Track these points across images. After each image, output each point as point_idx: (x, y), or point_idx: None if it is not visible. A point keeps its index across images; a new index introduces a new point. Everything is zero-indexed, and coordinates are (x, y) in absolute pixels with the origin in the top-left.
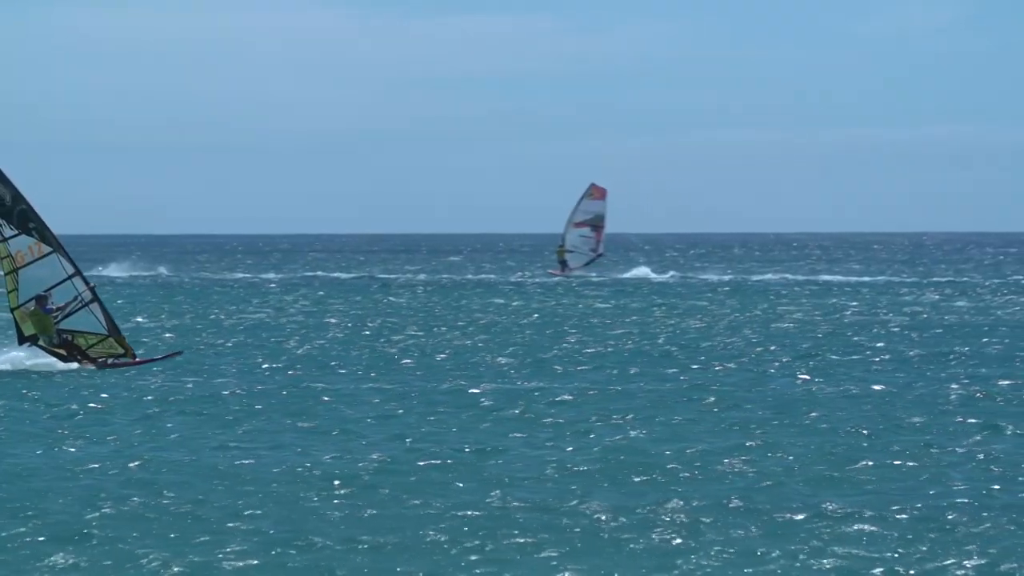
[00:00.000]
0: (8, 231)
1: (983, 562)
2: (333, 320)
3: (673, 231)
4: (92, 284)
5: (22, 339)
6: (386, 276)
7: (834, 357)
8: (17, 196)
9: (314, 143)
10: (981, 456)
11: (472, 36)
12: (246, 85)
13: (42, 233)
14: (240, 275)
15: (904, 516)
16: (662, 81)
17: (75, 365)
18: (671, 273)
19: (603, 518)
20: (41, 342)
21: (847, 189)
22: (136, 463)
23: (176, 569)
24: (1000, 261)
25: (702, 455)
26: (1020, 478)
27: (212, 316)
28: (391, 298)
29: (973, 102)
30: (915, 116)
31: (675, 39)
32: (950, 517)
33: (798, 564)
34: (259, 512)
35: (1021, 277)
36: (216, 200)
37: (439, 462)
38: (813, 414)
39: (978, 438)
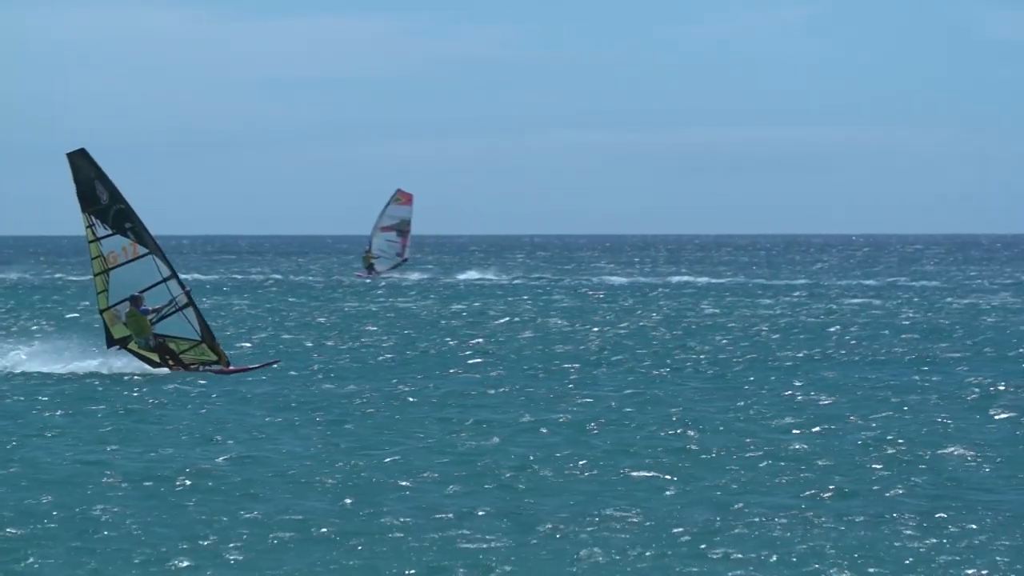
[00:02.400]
0: (101, 230)
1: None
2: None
3: (513, 233)
4: (187, 288)
5: (111, 342)
6: (242, 277)
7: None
8: (115, 195)
9: (144, 144)
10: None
11: (306, 38)
12: (78, 85)
13: (139, 234)
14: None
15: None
16: (497, 83)
17: (165, 370)
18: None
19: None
20: (133, 345)
21: (685, 191)
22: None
23: None
24: (843, 264)
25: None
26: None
27: None
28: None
29: (812, 104)
30: (752, 117)
31: (511, 41)
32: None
33: None
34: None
35: (853, 281)
36: (36, 201)
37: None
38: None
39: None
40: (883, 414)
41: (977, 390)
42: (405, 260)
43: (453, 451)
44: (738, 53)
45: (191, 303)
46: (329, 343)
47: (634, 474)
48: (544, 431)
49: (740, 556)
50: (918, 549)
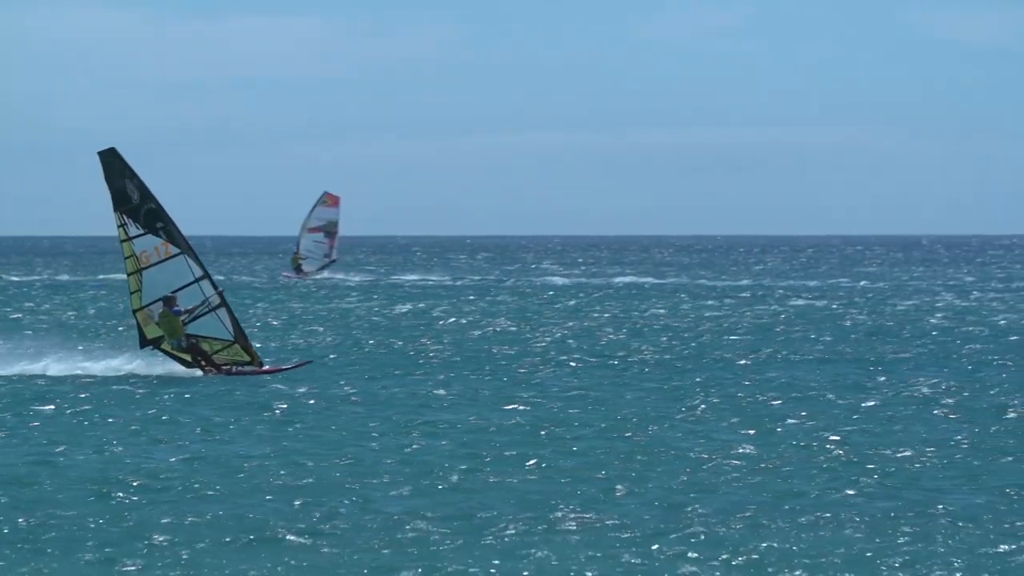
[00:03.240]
0: (133, 230)
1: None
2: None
3: (451, 234)
4: (220, 289)
5: (144, 342)
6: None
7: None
8: (146, 195)
9: (79, 145)
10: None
11: (248, 38)
12: (15, 84)
13: (170, 233)
14: None
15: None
16: (443, 84)
17: (198, 372)
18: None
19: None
20: (165, 346)
21: (630, 191)
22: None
23: None
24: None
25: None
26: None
27: None
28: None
29: (754, 104)
30: (697, 118)
31: (457, 42)
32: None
33: None
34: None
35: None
36: None
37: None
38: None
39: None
40: (829, 414)
41: (925, 390)
42: (333, 261)
43: (402, 452)
44: (680, 54)
45: (224, 303)
46: (274, 344)
47: (582, 474)
48: (492, 431)
49: (690, 555)
50: (865, 550)
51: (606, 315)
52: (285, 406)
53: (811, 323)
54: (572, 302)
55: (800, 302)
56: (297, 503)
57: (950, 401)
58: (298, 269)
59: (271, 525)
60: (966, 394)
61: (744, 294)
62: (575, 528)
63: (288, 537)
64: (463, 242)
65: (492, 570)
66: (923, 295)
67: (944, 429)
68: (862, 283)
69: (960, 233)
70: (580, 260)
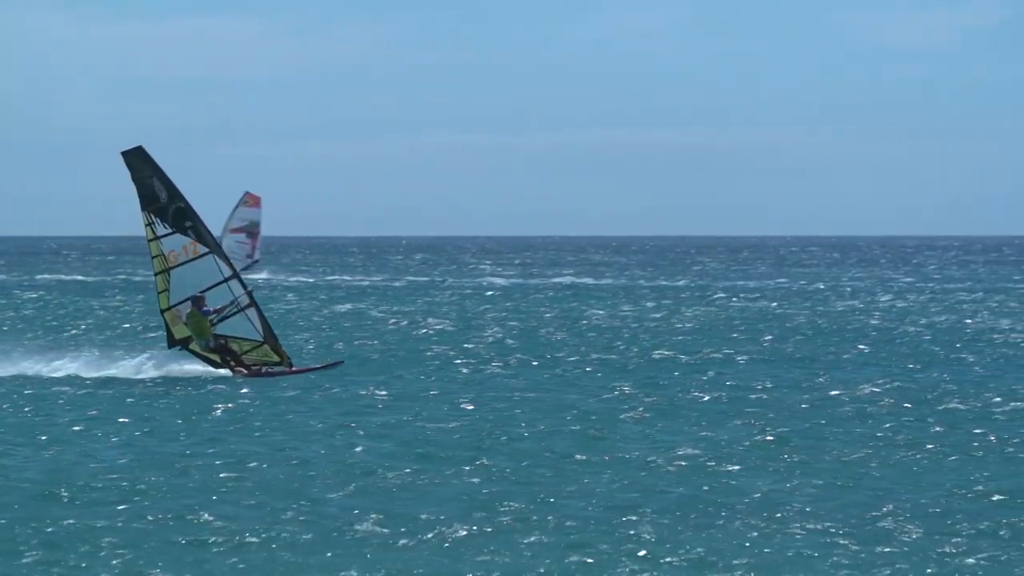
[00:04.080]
0: (161, 229)
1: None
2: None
3: (385, 234)
4: (250, 288)
5: (172, 342)
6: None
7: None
8: (174, 194)
9: (19, 146)
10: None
11: (183, 39)
12: None
13: (199, 233)
14: None
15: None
16: (379, 84)
17: (225, 372)
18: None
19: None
20: (194, 346)
21: (565, 192)
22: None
23: None
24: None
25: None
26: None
27: None
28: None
29: (686, 106)
30: (628, 118)
31: (390, 42)
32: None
33: None
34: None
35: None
36: None
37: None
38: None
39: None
40: (772, 414)
41: (865, 390)
42: (256, 261)
43: (345, 452)
44: (613, 54)
45: (253, 303)
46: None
47: (526, 475)
48: (435, 431)
49: (635, 555)
50: (810, 550)
51: (547, 315)
52: (230, 406)
53: (751, 323)
54: (510, 303)
55: (739, 302)
56: (241, 504)
57: (890, 401)
58: None
59: (214, 527)
60: (906, 394)
61: (683, 294)
62: (520, 528)
63: (232, 539)
64: (399, 243)
65: (437, 570)
66: (862, 295)
67: (886, 429)
68: (801, 283)
69: (898, 234)
70: (517, 261)
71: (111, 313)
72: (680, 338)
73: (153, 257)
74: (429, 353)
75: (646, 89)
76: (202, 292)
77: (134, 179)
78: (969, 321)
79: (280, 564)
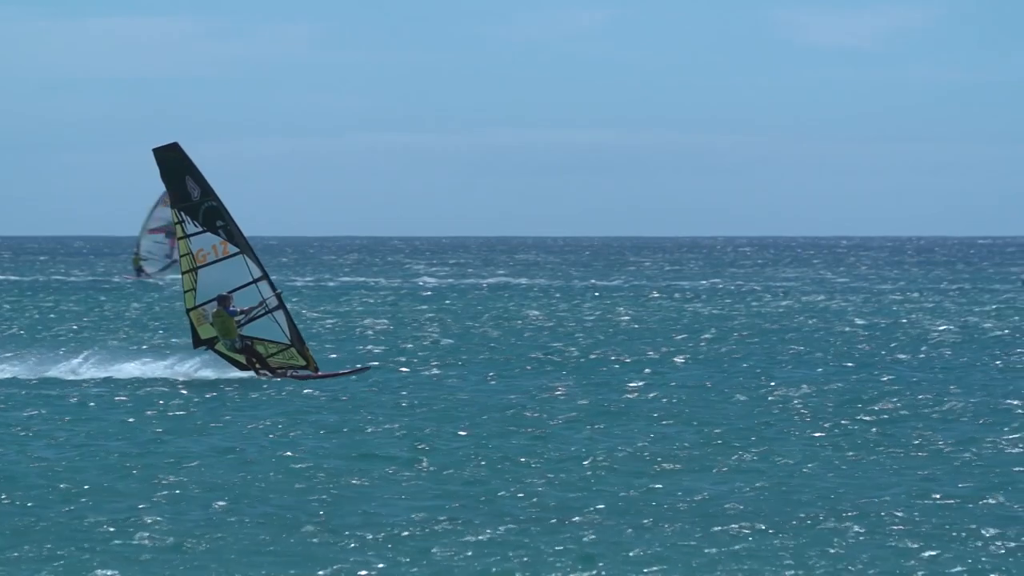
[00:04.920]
0: (191, 227)
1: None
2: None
3: (316, 235)
4: (279, 290)
5: (197, 342)
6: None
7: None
8: (207, 192)
9: None
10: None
11: (107, 38)
12: None
13: (230, 232)
14: None
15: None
16: (305, 84)
17: (250, 373)
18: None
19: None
20: (220, 346)
21: (496, 192)
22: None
23: None
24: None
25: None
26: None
27: None
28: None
29: (612, 107)
30: (556, 120)
31: (314, 42)
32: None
33: None
34: None
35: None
36: None
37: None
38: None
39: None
40: (711, 415)
41: (804, 389)
42: (175, 262)
43: (285, 454)
44: (540, 55)
45: (282, 306)
46: (145, 347)
47: (468, 475)
48: (372, 432)
49: (578, 555)
50: (752, 549)
51: (484, 315)
52: (171, 408)
53: (688, 323)
54: (446, 302)
55: (675, 302)
56: (183, 504)
57: (828, 401)
58: (139, 270)
59: (157, 527)
60: (843, 394)
61: (618, 294)
62: (461, 529)
63: (174, 539)
64: (332, 243)
65: (379, 571)
66: (797, 295)
67: (825, 429)
68: (737, 283)
69: (831, 235)
70: (452, 261)
71: (44, 315)
72: (618, 338)
73: (181, 255)
74: (366, 353)
75: (575, 90)
76: (230, 292)
77: (165, 176)
78: (904, 321)
79: (223, 564)
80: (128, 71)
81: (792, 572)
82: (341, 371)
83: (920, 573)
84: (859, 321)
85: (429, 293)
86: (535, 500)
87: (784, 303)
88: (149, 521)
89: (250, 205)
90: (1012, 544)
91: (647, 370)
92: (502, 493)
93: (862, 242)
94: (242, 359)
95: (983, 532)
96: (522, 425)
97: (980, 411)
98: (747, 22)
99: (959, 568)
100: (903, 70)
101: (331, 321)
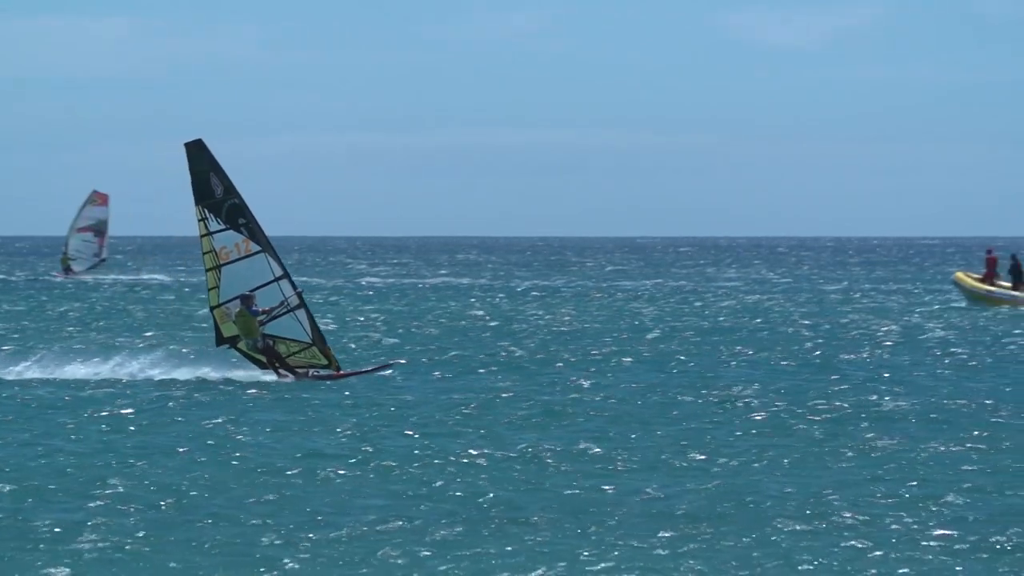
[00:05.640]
0: (214, 225)
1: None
2: None
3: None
4: (300, 289)
5: (220, 340)
6: None
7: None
8: (230, 189)
9: None
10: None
11: (42, 38)
12: None
13: (252, 231)
14: None
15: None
16: (242, 85)
17: (272, 375)
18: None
19: None
20: (241, 345)
21: (437, 192)
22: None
23: None
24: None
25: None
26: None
27: None
28: None
29: (561, 107)
30: (494, 119)
31: (261, 42)
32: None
33: None
34: None
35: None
36: None
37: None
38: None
39: None
40: (654, 415)
41: (743, 388)
42: (103, 260)
43: (230, 455)
44: (488, 54)
45: (303, 304)
46: (84, 347)
47: (414, 474)
48: (319, 431)
49: (523, 554)
50: (693, 549)
51: (428, 316)
52: (114, 409)
53: (632, 322)
54: (389, 303)
55: (618, 302)
56: (128, 506)
57: (773, 401)
58: (67, 269)
59: (94, 526)
60: (789, 394)
61: (563, 293)
62: (408, 528)
63: (116, 541)
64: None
65: (321, 571)
66: (739, 295)
67: (770, 429)
68: (681, 282)
69: (770, 235)
70: (394, 261)
71: None
72: (563, 338)
73: (204, 253)
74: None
75: (519, 89)
76: (252, 291)
77: (192, 172)
78: (845, 320)
79: (167, 564)
80: (64, 71)
81: (740, 572)
82: (363, 369)
83: (868, 572)
84: (806, 322)
85: (371, 293)
86: (481, 500)
87: (727, 303)
88: (94, 523)
89: (180, 204)
90: (958, 545)
91: (593, 370)
92: (449, 492)
93: (801, 241)
94: (263, 359)
95: (929, 532)
96: (468, 425)
97: (925, 411)
98: (690, 22)
99: (906, 569)
100: (845, 69)
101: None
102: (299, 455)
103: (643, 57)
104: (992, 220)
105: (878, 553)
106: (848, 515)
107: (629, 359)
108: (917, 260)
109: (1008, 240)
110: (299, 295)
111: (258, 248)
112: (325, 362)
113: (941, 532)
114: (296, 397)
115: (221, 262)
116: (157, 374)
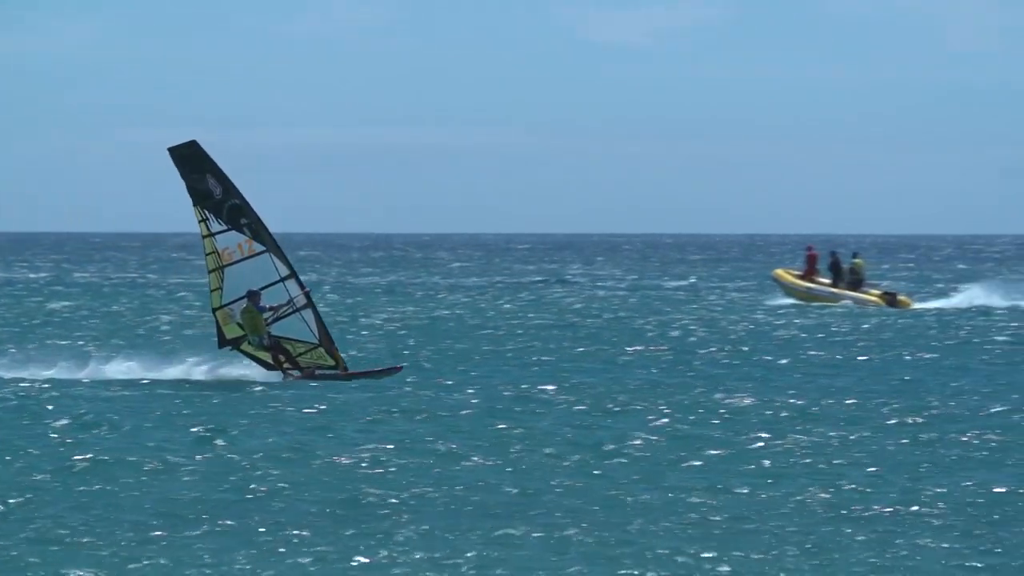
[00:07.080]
0: (216, 226)
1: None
2: None
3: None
4: (307, 289)
5: (223, 342)
6: None
7: None
8: (230, 190)
9: None
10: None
11: None
12: None
13: (256, 231)
14: None
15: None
16: (79, 80)
17: (277, 374)
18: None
19: None
20: (246, 346)
21: (277, 191)
22: None
23: None
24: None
25: None
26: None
27: None
28: None
29: (400, 104)
30: (341, 117)
31: (92, 38)
32: None
33: None
34: None
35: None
36: None
37: None
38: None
39: None
40: (576, 416)
41: (669, 390)
42: None
43: (202, 455)
44: (331, 51)
45: (310, 304)
46: (32, 346)
47: (371, 475)
48: (289, 430)
49: (466, 555)
50: (649, 552)
51: (339, 317)
52: (80, 411)
53: (524, 323)
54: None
55: (507, 304)
56: (105, 508)
57: (697, 403)
58: None
59: (71, 530)
60: (705, 391)
61: (451, 292)
62: (377, 527)
63: (92, 544)
64: (107, 238)
65: (289, 571)
66: (625, 296)
67: (693, 423)
68: (566, 278)
69: (621, 232)
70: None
71: None
72: (471, 336)
73: (207, 254)
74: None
75: (364, 88)
76: (258, 289)
77: (184, 175)
78: (759, 316)
79: (139, 567)
80: None
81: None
82: (371, 371)
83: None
84: (712, 317)
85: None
86: (422, 499)
87: (603, 303)
88: (70, 527)
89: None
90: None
91: (516, 371)
92: (393, 497)
93: (653, 239)
94: (268, 357)
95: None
96: (411, 423)
97: (786, 408)
98: (527, 18)
99: (861, 571)
100: (693, 67)
101: (168, 318)
102: (236, 459)
103: (486, 53)
104: (819, 219)
105: (818, 562)
106: (787, 522)
107: (536, 357)
108: (760, 257)
109: (827, 238)
110: (307, 295)
111: (262, 248)
112: (332, 363)
113: (829, 528)
114: (224, 401)
115: (224, 263)
116: (113, 372)
